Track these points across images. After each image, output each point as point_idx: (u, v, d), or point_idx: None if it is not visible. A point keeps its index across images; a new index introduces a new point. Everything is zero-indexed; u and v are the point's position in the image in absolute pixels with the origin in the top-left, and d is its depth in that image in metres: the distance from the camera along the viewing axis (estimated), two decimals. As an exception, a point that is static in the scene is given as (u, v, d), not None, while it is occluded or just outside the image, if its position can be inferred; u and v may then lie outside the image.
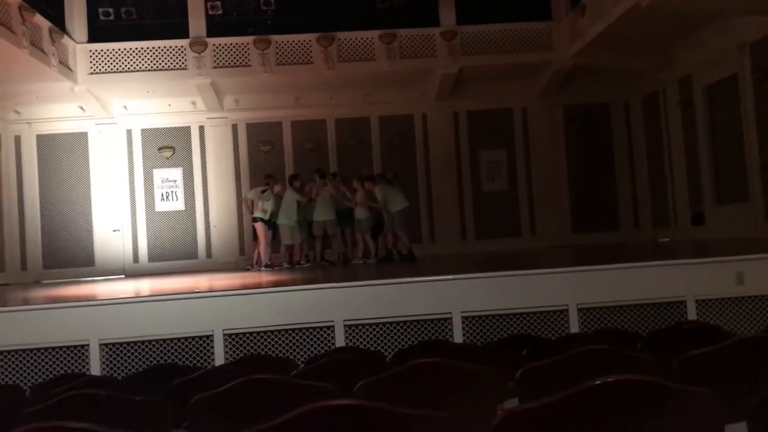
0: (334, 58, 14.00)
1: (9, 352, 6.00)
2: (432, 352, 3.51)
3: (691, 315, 6.22)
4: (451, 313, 6.29)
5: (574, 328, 6.20)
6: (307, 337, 6.22)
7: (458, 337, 6.20)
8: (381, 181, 12.91)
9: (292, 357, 5.78)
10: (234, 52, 14.00)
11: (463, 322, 6.26)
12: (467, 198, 15.95)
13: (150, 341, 6.06)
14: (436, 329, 6.31)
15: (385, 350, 6.05)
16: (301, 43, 14.06)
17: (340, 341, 6.15)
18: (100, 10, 14.39)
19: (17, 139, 15.09)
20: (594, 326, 6.19)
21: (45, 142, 15.20)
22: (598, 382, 1.82)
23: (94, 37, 14.08)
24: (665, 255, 9.45)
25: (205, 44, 13.89)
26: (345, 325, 6.22)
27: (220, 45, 13.98)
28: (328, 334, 6.22)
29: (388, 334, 6.28)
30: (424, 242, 15.18)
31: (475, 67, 14.30)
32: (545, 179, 15.87)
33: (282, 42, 14.03)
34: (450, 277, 6.62)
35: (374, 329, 6.26)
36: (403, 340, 6.24)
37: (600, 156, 16.04)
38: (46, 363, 6.01)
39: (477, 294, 6.35)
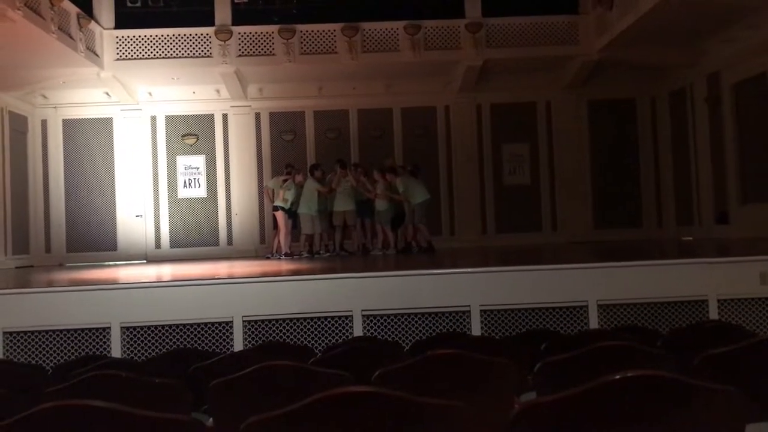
0: (358, 48, 13.98)
1: (32, 332, 6.10)
2: (450, 344, 3.50)
3: (713, 314, 6.15)
4: (469, 306, 6.28)
5: (594, 324, 6.16)
6: (325, 326, 6.24)
7: (476, 331, 6.19)
8: (403, 172, 12.90)
9: (309, 345, 5.81)
10: (258, 41, 14.04)
11: (481, 316, 6.25)
12: (488, 191, 15.88)
13: (170, 326, 6.13)
14: (455, 322, 6.30)
15: (403, 341, 6.05)
16: (326, 33, 14.06)
17: (358, 331, 6.17)
18: (128, -4, 14.51)
19: (44, 123, 15.29)
20: (614, 323, 6.15)
21: (71, 126, 15.37)
22: (617, 377, 1.81)
23: (120, 23, 14.20)
24: (688, 253, 9.34)
25: (230, 32, 13.94)
26: (363, 315, 6.24)
27: (244, 33, 14.03)
28: (347, 324, 6.24)
29: (406, 325, 6.28)
30: (444, 235, 15.15)
31: (500, 60, 14.21)
32: (568, 174, 15.74)
33: (306, 31, 14.04)
34: (469, 270, 6.60)
35: (392, 320, 6.27)
36: (420, 331, 6.25)
37: (624, 152, 15.88)
38: (69, 344, 6.10)
39: (496, 288, 6.33)
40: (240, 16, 14.26)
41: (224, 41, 13.86)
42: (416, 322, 6.28)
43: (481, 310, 6.26)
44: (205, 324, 6.16)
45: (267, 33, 14.03)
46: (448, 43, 14.17)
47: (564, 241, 14.97)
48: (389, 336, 6.17)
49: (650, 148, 15.90)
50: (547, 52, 14.06)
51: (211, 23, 14.07)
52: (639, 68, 14.38)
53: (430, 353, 2.76)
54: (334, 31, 14.01)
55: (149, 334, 6.14)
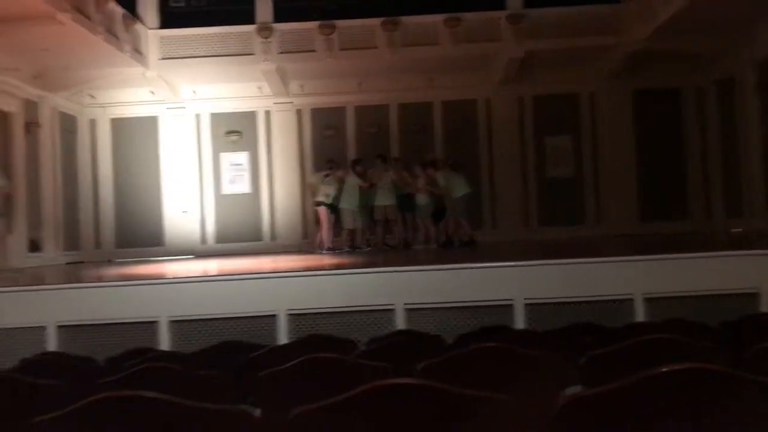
0: (398, 42, 13.98)
1: (85, 326, 6.28)
2: (493, 338, 3.50)
3: (764, 307, 5.98)
4: (512, 299, 6.24)
5: (640, 318, 6.05)
6: (368, 319, 6.28)
7: (520, 324, 6.14)
8: (443, 166, 12.86)
9: (353, 338, 5.85)
10: (299, 38, 14.15)
11: (525, 309, 6.21)
12: (531, 184, 15.73)
13: (216, 319, 6.25)
14: (498, 316, 6.26)
15: (446, 335, 6.05)
16: (366, 28, 14.09)
17: (400, 324, 6.18)
18: (171, -4, 14.79)
19: (92, 123, 15.68)
20: (660, 317, 6.04)
21: (118, 125, 15.74)
22: (664, 370, 1.79)
23: (165, 23, 14.47)
24: (737, 245, 9.11)
25: (272, 30, 14.07)
26: (405, 309, 6.25)
27: (285, 30, 14.15)
28: (389, 318, 6.26)
29: (449, 319, 6.27)
30: (485, 228, 15.07)
31: (541, 51, 14.03)
32: (612, 165, 15.48)
33: (346, 27, 14.09)
34: (512, 263, 6.56)
35: (435, 314, 6.27)
36: (463, 325, 6.23)
37: (670, 142, 15.53)
38: (119, 338, 6.26)
39: (540, 281, 6.28)
40: (281, 14, 14.39)
41: (265, 38, 14.00)
42: (459, 316, 6.27)
43: (524, 304, 6.22)
44: (250, 318, 6.25)
45: (307, 29, 14.13)
46: (488, 35, 14.06)
47: (608, 233, 14.73)
48: (432, 330, 6.15)
49: (697, 138, 15.53)
50: (589, 42, 13.83)
51: (252, 21, 14.24)
52: (685, 57, 14.04)
53: (473, 346, 2.76)
54: (374, 25, 14.03)
55: (196, 328, 6.26)
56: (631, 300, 6.14)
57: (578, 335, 3.89)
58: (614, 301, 6.19)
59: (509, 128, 15.65)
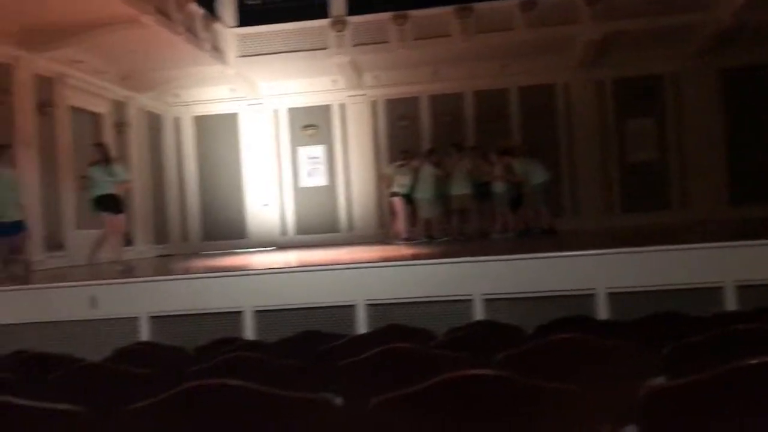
0: (472, 29, 13.83)
1: (174, 316, 6.56)
2: (574, 328, 3.44)
3: None
4: (594, 289, 6.11)
5: (731, 307, 5.82)
6: (446, 310, 6.28)
7: (602, 315, 6.01)
8: (520, 153, 12.67)
9: (430, 329, 5.87)
10: (372, 30, 14.21)
11: (607, 299, 6.06)
12: (613, 169, 15.30)
13: (298, 309, 6.40)
14: (579, 306, 6.15)
15: (525, 326, 5.98)
16: (439, 17, 14.01)
17: (478, 315, 6.16)
18: (248, -6, 15.16)
19: (176, 121, 16.28)
20: (753, 306, 5.77)
21: (201, 122, 16.28)
22: (754, 362, 1.72)
23: (242, 21, 14.84)
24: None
25: (345, 23, 14.20)
26: (484, 300, 6.22)
27: (359, 23, 14.24)
28: (467, 308, 6.25)
29: (528, 310, 6.20)
30: (566, 216, 14.76)
31: (621, 32, 13.57)
32: (699, 148, 14.85)
33: (419, 16, 14.05)
34: (594, 252, 6.41)
35: (514, 304, 6.21)
36: (543, 316, 6.12)
37: (762, 123, 14.74)
38: (206, 327, 6.51)
39: (623, 270, 6.12)
40: (354, 6, 14.50)
41: (339, 32, 14.14)
42: (538, 306, 6.19)
43: (607, 293, 6.08)
44: (330, 308, 6.37)
45: (380, 21, 14.17)
46: (565, 18, 13.71)
47: (696, 219, 14.15)
48: (510, 320, 6.10)
49: (792, 117, 14.68)
50: (672, 20, 13.26)
51: (326, 15, 14.40)
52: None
53: (552, 337, 2.73)
54: (447, 14, 13.93)
55: (278, 318, 6.44)
56: (722, 288, 5.90)
57: (663, 325, 3.78)
58: (703, 289, 5.96)
59: (589, 112, 15.25)
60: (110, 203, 9.26)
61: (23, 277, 8.31)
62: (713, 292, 5.93)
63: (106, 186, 9.16)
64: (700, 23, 13.37)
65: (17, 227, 8.62)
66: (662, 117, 15.22)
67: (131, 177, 9.59)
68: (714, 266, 5.97)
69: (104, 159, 9.32)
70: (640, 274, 6.07)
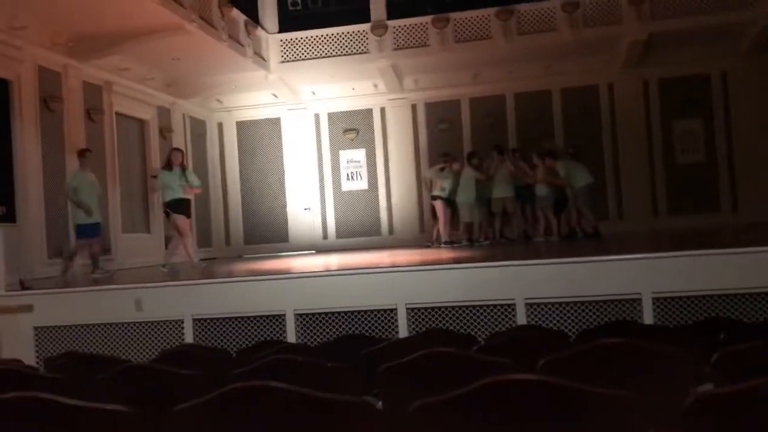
0: (514, 31, 13.72)
1: (217, 319, 6.65)
2: (619, 333, 3.38)
3: None
4: (640, 293, 5.99)
5: (782, 312, 5.64)
6: (488, 314, 6.24)
7: (648, 319, 5.89)
8: (563, 155, 12.52)
9: (473, 333, 5.83)
10: (413, 33, 14.21)
11: (653, 304, 5.94)
12: (659, 171, 14.99)
13: (339, 312, 6.43)
14: (624, 310, 6.04)
15: (569, 330, 5.91)
16: (480, 19, 13.93)
17: (521, 319, 6.10)
18: (289, 0, 15.29)
19: (220, 126, 16.54)
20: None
21: (243, 127, 16.51)
22: (807, 370, 1.66)
23: (284, 27, 14.99)
24: None
25: (386, 27, 14.23)
26: (526, 304, 6.16)
27: (399, 27, 14.26)
28: (509, 312, 6.19)
29: (572, 314, 6.12)
30: (611, 219, 14.53)
31: (667, 32, 13.29)
32: (749, 149, 14.44)
33: (460, 19, 14.00)
34: (639, 255, 6.28)
35: (557, 309, 6.14)
36: (587, 320, 6.06)
37: (816, 122, 14.27)
38: (249, 330, 6.59)
39: (670, 274, 5.98)
40: (394, 10, 14.52)
41: (380, 36, 14.18)
42: (582, 310, 6.10)
43: (653, 298, 5.95)
44: (371, 311, 6.38)
45: (421, 24, 14.16)
46: (608, 19, 13.49)
47: (747, 222, 13.77)
48: (554, 325, 6.04)
49: None
50: (720, 19, 12.94)
51: (367, 20, 14.45)
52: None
53: (597, 342, 2.69)
54: (488, 16, 13.85)
55: (320, 321, 6.48)
56: (772, 293, 5.73)
57: (712, 331, 3.68)
58: (753, 294, 5.80)
59: (634, 113, 14.98)
60: (183, 207, 9.47)
61: (106, 277, 8.71)
62: (762, 298, 5.76)
63: (179, 190, 9.36)
64: (749, 21, 13.02)
65: (97, 229, 9.26)
66: (710, 117, 14.86)
67: (199, 183, 9.87)
68: (762, 271, 5.79)
69: (180, 164, 9.49)
70: (687, 279, 5.93)
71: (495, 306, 6.22)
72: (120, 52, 11.51)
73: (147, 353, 6.56)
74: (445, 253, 9.94)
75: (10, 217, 9.83)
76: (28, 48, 10.22)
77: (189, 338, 6.55)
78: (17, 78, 10.15)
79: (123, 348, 6.64)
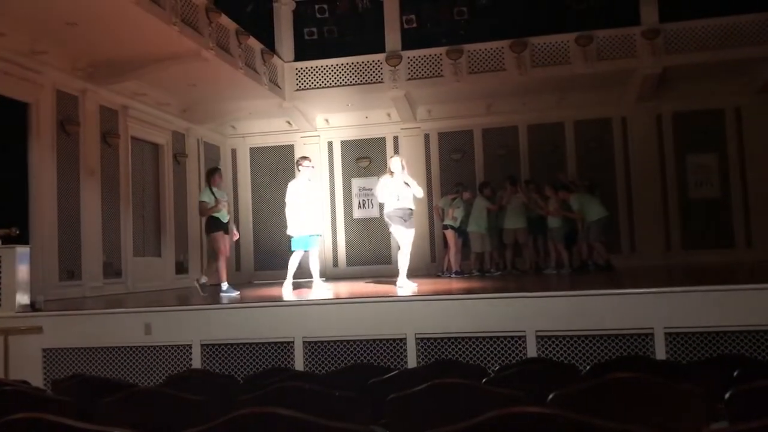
0: (527, 63, 13.80)
1: (225, 345, 6.63)
2: (631, 368, 3.33)
3: None
4: (652, 328, 5.93)
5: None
6: (498, 346, 6.18)
7: (661, 354, 5.82)
8: (577, 189, 12.50)
9: (482, 365, 5.78)
10: (427, 64, 14.33)
11: (666, 339, 5.87)
12: (672, 206, 14.91)
13: (348, 341, 6.38)
14: (636, 345, 5.97)
15: (580, 364, 5.84)
16: (494, 51, 14.04)
17: (531, 352, 6.04)
18: (305, 30, 15.48)
19: (234, 152, 16.65)
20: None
21: (257, 154, 16.61)
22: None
23: (299, 55, 15.16)
24: None
25: (400, 57, 14.36)
26: (537, 336, 6.10)
27: (413, 57, 14.39)
28: (520, 345, 6.13)
29: (583, 348, 6.05)
30: (623, 253, 14.42)
31: (681, 66, 13.34)
32: (764, 185, 14.34)
33: (474, 50, 14.10)
34: (652, 290, 6.22)
35: (568, 342, 6.07)
36: (598, 354, 5.99)
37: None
38: (257, 356, 6.56)
39: (683, 309, 5.92)
40: (409, 41, 14.66)
41: (394, 66, 14.30)
42: (594, 344, 6.03)
43: (665, 333, 5.88)
44: (380, 341, 6.34)
45: (435, 55, 14.28)
46: (622, 52, 13.56)
47: (762, 258, 13.64)
48: (565, 358, 5.98)
49: None
50: (735, 54, 12.98)
51: (382, 50, 14.60)
52: None
53: (609, 376, 2.65)
54: (502, 48, 13.95)
55: (328, 349, 6.43)
56: (788, 331, 5.64)
57: (726, 367, 3.62)
58: (766, 332, 5.71)
59: (647, 147, 14.96)
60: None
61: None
62: (779, 335, 5.67)
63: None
64: (763, 57, 13.03)
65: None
66: (724, 152, 14.81)
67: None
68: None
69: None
70: (700, 314, 5.86)
71: (505, 338, 6.16)
72: (137, 77, 11.68)
73: (154, 377, 6.53)
74: (455, 283, 9.89)
75: (23, 239, 9.89)
76: (48, 72, 10.38)
77: (197, 363, 6.53)
78: (36, 101, 10.29)
79: (130, 372, 6.63)
